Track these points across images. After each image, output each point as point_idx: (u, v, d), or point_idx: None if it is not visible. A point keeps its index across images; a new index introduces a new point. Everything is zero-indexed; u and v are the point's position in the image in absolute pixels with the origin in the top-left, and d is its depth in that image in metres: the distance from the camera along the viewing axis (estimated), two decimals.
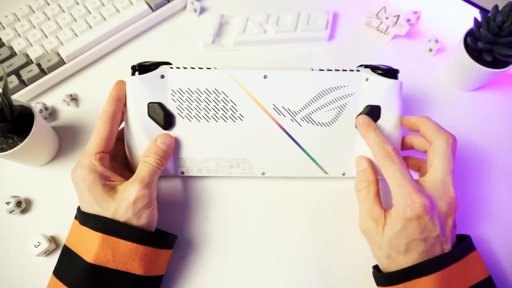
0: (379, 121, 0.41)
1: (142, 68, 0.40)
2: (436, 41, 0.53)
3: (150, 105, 0.40)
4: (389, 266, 0.36)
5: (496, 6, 0.43)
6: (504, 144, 0.48)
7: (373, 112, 0.41)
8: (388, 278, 0.36)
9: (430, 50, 0.53)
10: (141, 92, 0.40)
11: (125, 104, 0.40)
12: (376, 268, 0.39)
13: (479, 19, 0.45)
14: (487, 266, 0.36)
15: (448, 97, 0.51)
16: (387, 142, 0.37)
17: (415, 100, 0.51)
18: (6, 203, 0.42)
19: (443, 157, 0.36)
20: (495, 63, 0.46)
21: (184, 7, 0.57)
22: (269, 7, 0.56)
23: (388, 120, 0.41)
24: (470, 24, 0.46)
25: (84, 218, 0.36)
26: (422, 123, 0.39)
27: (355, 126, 0.42)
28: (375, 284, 0.39)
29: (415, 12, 0.54)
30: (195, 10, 0.56)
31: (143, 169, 0.37)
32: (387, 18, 0.54)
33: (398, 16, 0.54)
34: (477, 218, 0.44)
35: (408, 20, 0.54)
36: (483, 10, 0.50)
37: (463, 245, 0.36)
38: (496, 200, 0.45)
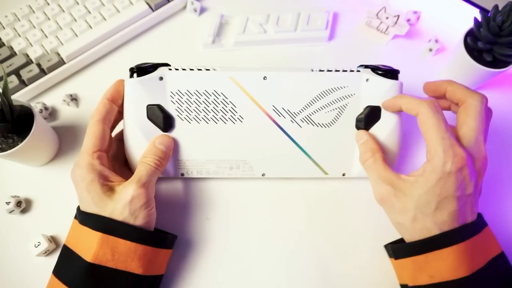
0: (378, 122, 0.41)
1: (141, 70, 0.39)
2: (436, 41, 0.53)
3: (149, 107, 0.40)
4: (413, 231, 0.35)
5: (496, 6, 0.43)
6: (504, 144, 0.48)
7: (373, 113, 0.41)
8: (408, 249, 0.35)
9: (430, 50, 0.53)
10: (139, 95, 0.39)
11: (122, 105, 0.40)
12: (390, 244, 0.39)
13: (479, 19, 0.45)
14: None
15: None
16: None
17: None
18: (6, 203, 0.42)
19: (477, 116, 0.35)
20: (495, 63, 0.46)
21: (184, 7, 0.57)
22: (269, 7, 0.56)
23: (388, 121, 0.41)
24: (470, 24, 0.46)
25: (84, 218, 0.36)
26: (450, 85, 0.38)
27: (356, 127, 0.42)
28: (374, 283, 0.39)
29: (415, 12, 0.54)
30: (195, 10, 0.56)
31: (141, 169, 0.37)
32: (387, 18, 0.54)
33: (398, 16, 0.54)
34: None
35: (408, 20, 0.54)
36: (483, 10, 0.50)
37: (481, 219, 0.35)
38: (496, 200, 0.45)
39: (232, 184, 0.45)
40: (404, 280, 0.37)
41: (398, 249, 0.37)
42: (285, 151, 0.42)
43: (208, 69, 0.40)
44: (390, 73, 0.41)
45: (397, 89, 0.41)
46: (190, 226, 0.43)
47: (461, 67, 0.48)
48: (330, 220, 0.44)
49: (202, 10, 0.57)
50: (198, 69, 0.40)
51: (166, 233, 0.40)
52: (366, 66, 0.42)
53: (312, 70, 0.41)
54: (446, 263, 0.33)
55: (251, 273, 0.41)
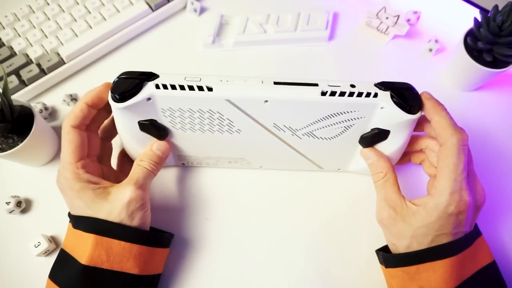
0: (382, 142, 0.38)
1: (123, 95, 0.33)
2: (436, 41, 0.53)
3: (141, 123, 0.36)
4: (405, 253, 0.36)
5: (496, 6, 0.43)
6: (504, 144, 0.48)
7: (380, 135, 0.37)
8: (400, 259, 0.35)
9: (430, 50, 0.53)
10: (128, 117, 0.36)
11: (105, 107, 0.37)
12: (382, 250, 0.39)
13: (479, 19, 0.44)
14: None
15: (448, 97, 0.51)
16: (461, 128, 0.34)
17: None
18: (6, 203, 0.42)
19: (456, 157, 0.33)
20: (495, 63, 0.46)
21: (184, 7, 0.57)
22: (269, 7, 0.56)
23: (394, 144, 0.38)
24: (470, 24, 0.46)
25: (75, 221, 0.35)
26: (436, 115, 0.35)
27: (359, 142, 0.39)
28: (374, 283, 0.38)
29: (415, 12, 0.54)
30: (195, 10, 0.56)
31: (137, 171, 0.37)
32: (387, 18, 0.54)
33: (398, 16, 0.54)
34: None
35: (408, 20, 0.54)
36: (483, 10, 0.50)
37: (473, 231, 0.36)
38: (496, 199, 0.45)
39: (232, 184, 0.45)
40: (393, 287, 0.37)
41: (389, 259, 0.37)
42: (285, 157, 0.42)
43: (201, 87, 0.33)
44: (410, 105, 0.34)
45: (410, 125, 0.36)
46: (189, 225, 0.43)
47: (461, 67, 0.48)
48: (330, 220, 0.44)
49: (202, 10, 0.57)
50: (189, 86, 0.33)
51: (162, 232, 0.40)
52: (386, 86, 0.34)
53: (323, 94, 0.33)
54: (437, 274, 0.33)
55: (250, 273, 0.41)
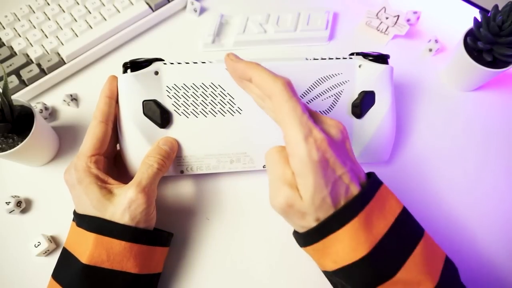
0: (374, 106, 0.43)
1: (134, 65, 0.39)
2: (436, 41, 0.53)
3: (145, 103, 0.39)
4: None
5: (496, 6, 0.43)
6: (504, 144, 0.48)
7: (368, 98, 0.42)
8: (305, 237, 0.31)
9: (430, 50, 0.53)
10: (134, 90, 0.39)
11: (117, 103, 0.39)
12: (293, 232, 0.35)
13: (479, 19, 0.45)
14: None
15: (448, 97, 0.51)
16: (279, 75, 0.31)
17: (415, 100, 0.51)
18: (6, 203, 0.42)
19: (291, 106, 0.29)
20: (495, 63, 0.46)
21: (184, 7, 0.57)
22: (269, 7, 0.56)
23: (383, 105, 0.43)
24: (470, 24, 0.46)
25: (79, 220, 0.36)
26: (254, 72, 0.32)
27: (352, 113, 0.43)
28: None
29: (415, 12, 0.54)
30: (195, 10, 0.56)
31: (142, 172, 0.37)
32: (387, 18, 0.54)
33: (398, 16, 0.54)
34: (475, 218, 0.44)
35: (408, 20, 0.54)
36: (483, 10, 0.50)
37: (372, 180, 0.31)
38: (496, 199, 0.45)
39: (231, 185, 0.45)
40: (318, 265, 0.34)
41: (297, 239, 0.33)
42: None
43: (204, 62, 0.40)
44: (381, 58, 0.43)
45: (389, 73, 0.43)
46: (190, 225, 0.43)
47: (461, 67, 0.48)
48: None
49: (202, 10, 0.57)
50: (194, 62, 0.40)
51: (161, 231, 0.39)
52: (357, 54, 0.44)
53: (307, 59, 0.42)
54: (344, 245, 0.29)
55: (250, 273, 0.41)
